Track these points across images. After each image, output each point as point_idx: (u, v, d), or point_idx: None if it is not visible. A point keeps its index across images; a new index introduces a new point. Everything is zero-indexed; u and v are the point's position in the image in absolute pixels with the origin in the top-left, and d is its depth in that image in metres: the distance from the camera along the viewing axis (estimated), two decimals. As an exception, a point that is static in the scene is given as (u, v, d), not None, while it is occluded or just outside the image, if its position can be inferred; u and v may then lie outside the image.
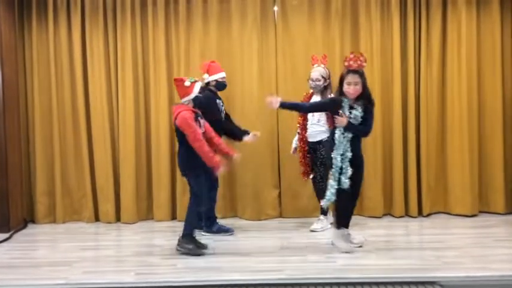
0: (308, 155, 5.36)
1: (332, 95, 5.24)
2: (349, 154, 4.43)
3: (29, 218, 5.99)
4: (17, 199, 5.69)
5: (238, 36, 5.87)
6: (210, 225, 5.29)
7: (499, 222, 5.54)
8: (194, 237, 4.65)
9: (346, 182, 4.42)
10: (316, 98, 5.28)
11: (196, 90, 4.58)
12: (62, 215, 5.94)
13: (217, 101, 5.26)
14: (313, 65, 5.35)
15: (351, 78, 4.35)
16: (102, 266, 4.42)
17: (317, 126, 5.26)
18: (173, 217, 5.95)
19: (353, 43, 5.83)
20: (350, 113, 4.40)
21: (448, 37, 5.81)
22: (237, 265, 4.31)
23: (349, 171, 4.42)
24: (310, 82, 5.28)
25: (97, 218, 5.96)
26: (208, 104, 4.95)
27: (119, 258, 4.61)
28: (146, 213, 6.01)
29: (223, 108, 5.33)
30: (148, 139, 5.96)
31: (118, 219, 5.92)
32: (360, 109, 4.42)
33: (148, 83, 5.92)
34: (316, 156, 5.28)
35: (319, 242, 4.97)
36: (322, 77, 5.24)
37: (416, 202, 5.80)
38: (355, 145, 4.47)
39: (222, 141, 4.83)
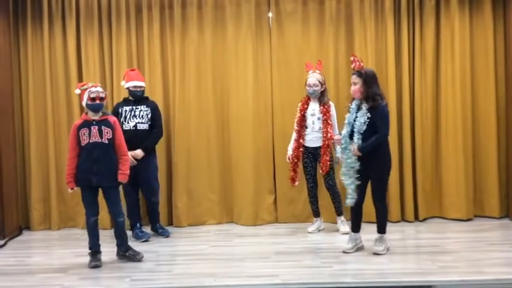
0: (306, 160, 5.39)
1: (330, 102, 5.29)
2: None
3: (24, 225, 5.96)
4: (12, 206, 5.67)
5: (233, 42, 5.89)
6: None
7: (493, 227, 5.56)
8: (92, 250, 4.61)
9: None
10: (313, 104, 5.32)
11: (84, 98, 4.51)
12: (57, 222, 5.93)
13: (122, 109, 5.33)
14: (307, 71, 5.37)
15: None
16: (97, 272, 4.40)
17: (318, 133, 5.30)
18: (169, 223, 5.95)
19: (347, 48, 5.85)
20: None
21: (442, 41, 5.84)
22: (232, 270, 4.30)
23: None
24: (308, 88, 5.30)
25: (92, 225, 5.94)
26: (113, 113, 5.05)
27: (114, 264, 4.59)
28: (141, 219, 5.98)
29: (136, 114, 5.33)
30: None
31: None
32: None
33: (144, 89, 5.92)
34: (318, 161, 5.34)
35: (315, 246, 4.98)
36: (319, 82, 5.28)
37: (413, 207, 5.81)
38: None
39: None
